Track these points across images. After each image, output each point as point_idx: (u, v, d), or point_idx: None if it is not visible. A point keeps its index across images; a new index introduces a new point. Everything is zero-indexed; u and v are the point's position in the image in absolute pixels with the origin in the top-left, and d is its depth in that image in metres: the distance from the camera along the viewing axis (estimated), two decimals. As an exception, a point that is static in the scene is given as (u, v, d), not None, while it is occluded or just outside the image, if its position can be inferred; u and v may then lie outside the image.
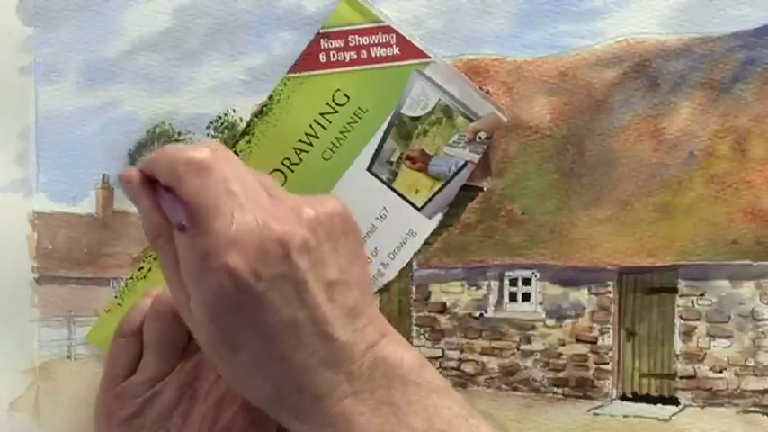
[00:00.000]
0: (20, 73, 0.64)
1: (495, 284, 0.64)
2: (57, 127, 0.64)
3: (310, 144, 0.63)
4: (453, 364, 0.64)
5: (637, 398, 0.64)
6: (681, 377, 0.63)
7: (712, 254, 0.62)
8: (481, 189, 0.64)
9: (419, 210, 0.63)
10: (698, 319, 0.63)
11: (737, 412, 0.62)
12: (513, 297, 0.64)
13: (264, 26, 0.64)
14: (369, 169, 0.63)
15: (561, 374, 0.64)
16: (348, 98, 0.63)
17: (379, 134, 0.63)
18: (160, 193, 0.50)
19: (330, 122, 0.63)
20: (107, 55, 0.64)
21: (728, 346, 0.62)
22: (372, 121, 0.63)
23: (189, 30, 0.64)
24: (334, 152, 0.63)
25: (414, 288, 0.64)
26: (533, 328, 0.64)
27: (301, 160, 0.63)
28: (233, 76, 0.64)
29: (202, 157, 0.48)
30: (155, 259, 0.64)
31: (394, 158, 0.63)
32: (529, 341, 0.64)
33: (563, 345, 0.64)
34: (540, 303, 0.64)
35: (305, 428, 0.49)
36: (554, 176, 0.63)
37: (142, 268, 0.64)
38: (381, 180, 0.63)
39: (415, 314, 0.65)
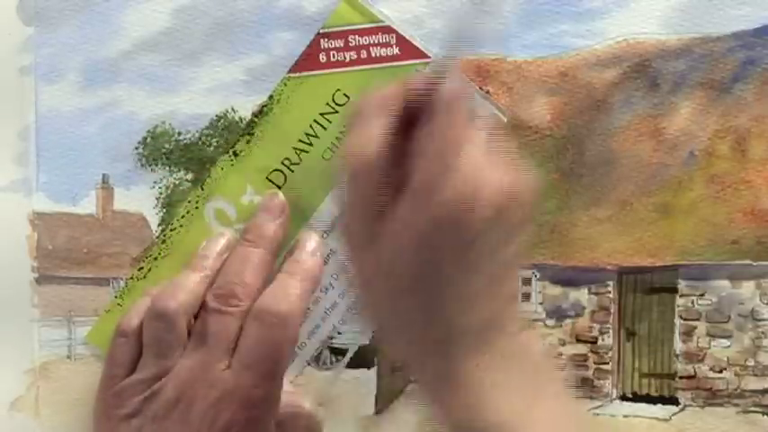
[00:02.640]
0: (20, 73, 0.64)
1: (495, 284, 0.64)
2: (57, 127, 0.64)
3: (310, 144, 0.63)
4: (453, 364, 0.64)
5: (637, 398, 0.64)
6: (681, 377, 0.63)
7: (712, 254, 0.62)
8: (481, 189, 0.64)
9: (419, 210, 0.63)
10: (698, 319, 0.63)
11: (737, 412, 0.62)
12: (512, 297, 0.64)
13: (264, 26, 0.64)
14: (369, 169, 0.63)
15: (561, 374, 0.64)
16: (348, 98, 0.63)
17: (379, 134, 0.63)
18: None
19: (330, 122, 0.63)
20: (107, 55, 0.64)
21: (728, 346, 0.62)
22: (372, 121, 0.63)
23: (189, 30, 0.64)
24: (334, 152, 0.63)
25: (414, 288, 0.64)
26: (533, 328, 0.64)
27: (301, 160, 0.63)
28: (233, 76, 0.64)
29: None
30: (155, 259, 0.64)
31: (394, 158, 0.63)
32: (529, 341, 0.64)
33: (563, 345, 0.64)
34: (540, 303, 0.64)
35: (480, 358, 0.49)
36: (554, 176, 0.63)
37: (142, 268, 0.64)
38: (381, 180, 0.63)
39: (414, 314, 0.64)
